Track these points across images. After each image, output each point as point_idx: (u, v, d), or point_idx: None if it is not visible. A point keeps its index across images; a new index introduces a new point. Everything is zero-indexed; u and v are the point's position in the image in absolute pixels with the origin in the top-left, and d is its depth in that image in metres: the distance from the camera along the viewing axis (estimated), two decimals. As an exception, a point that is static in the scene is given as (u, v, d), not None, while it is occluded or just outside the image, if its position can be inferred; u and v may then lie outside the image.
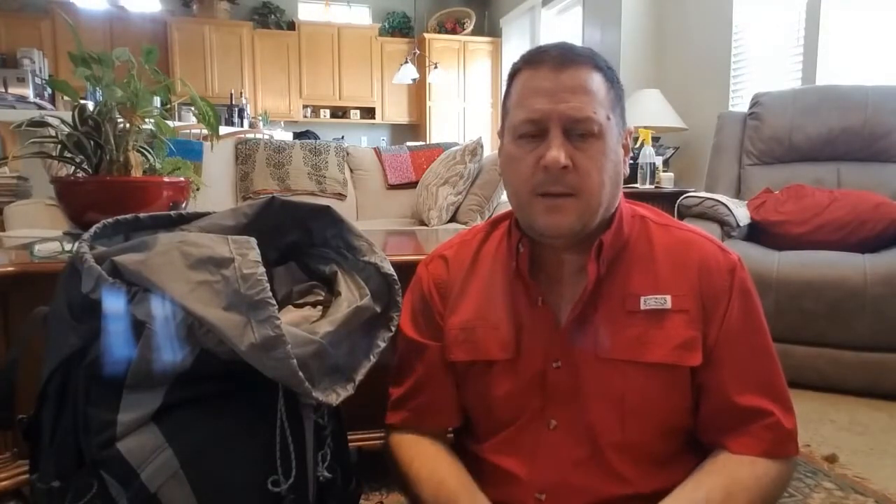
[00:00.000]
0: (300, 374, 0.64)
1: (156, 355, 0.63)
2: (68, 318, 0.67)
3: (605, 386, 0.79)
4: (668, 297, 0.79)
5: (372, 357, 0.79)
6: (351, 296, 0.79)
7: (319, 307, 0.81)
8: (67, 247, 1.20)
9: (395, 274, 0.84)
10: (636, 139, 3.52)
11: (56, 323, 0.69)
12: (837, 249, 2.13)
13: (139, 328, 0.63)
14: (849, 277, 1.99)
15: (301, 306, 0.82)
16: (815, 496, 1.38)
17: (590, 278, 0.79)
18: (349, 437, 0.93)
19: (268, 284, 0.66)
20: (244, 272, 0.65)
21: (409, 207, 3.32)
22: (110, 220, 0.79)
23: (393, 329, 0.84)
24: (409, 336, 0.90)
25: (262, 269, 0.67)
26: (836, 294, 1.99)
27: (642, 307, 0.79)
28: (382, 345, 0.81)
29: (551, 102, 0.75)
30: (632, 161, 3.61)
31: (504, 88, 0.85)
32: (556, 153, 0.74)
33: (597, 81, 0.77)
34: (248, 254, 0.68)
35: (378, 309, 0.82)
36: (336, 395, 0.71)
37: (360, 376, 0.75)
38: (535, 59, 0.78)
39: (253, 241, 0.71)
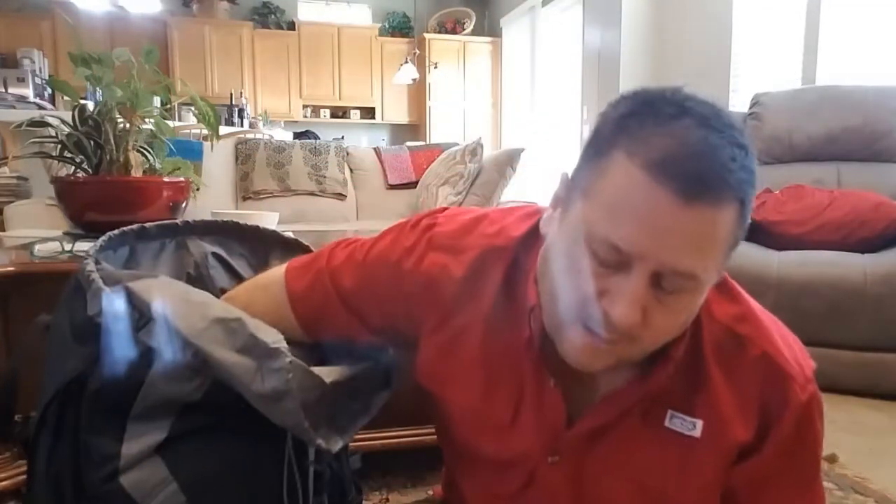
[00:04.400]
0: (306, 423, 0.62)
1: (165, 385, 0.61)
2: (70, 341, 0.65)
3: (608, 497, 0.68)
4: (699, 424, 0.63)
5: (371, 412, 0.76)
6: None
7: None
8: (67, 247, 1.20)
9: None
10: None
11: (57, 345, 0.68)
12: (837, 249, 2.13)
13: (148, 355, 0.61)
14: (848, 277, 1.99)
15: None
16: (814, 496, 1.38)
17: (634, 390, 0.64)
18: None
19: (282, 337, 0.64)
20: (259, 322, 0.65)
21: (409, 207, 3.32)
22: (115, 232, 0.78)
23: (392, 387, 0.80)
24: (345, 286, 0.73)
25: None
26: (836, 294, 1.98)
27: (666, 423, 0.64)
28: (381, 402, 0.78)
29: (654, 245, 0.53)
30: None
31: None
32: (629, 312, 0.54)
33: (728, 221, 0.53)
34: None
35: (380, 374, 0.79)
36: (336, 443, 0.69)
37: (356, 428, 0.73)
38: (667, 171, 0.51)
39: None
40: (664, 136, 0.53)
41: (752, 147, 0.56)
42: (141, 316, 0.62)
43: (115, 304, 0.62)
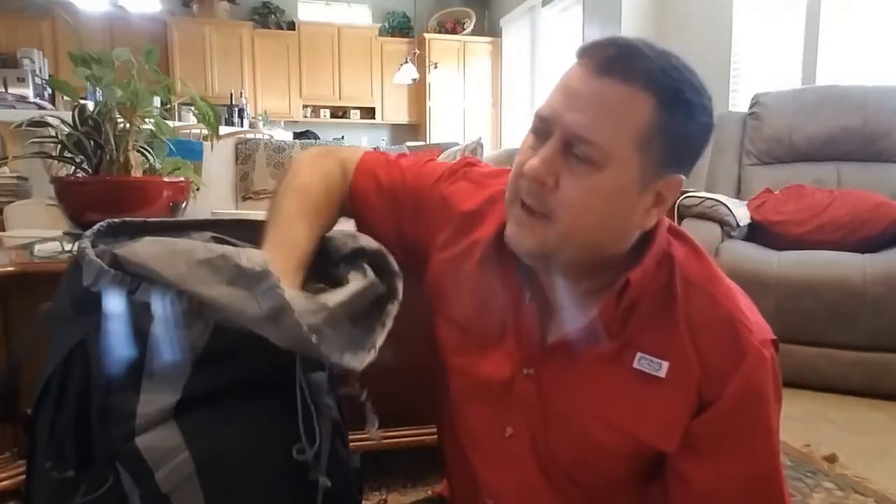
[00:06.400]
0: (312, 338, 0.63)
1: (171, 334, 0.62)
2: (71, 313, 0.66)
3: (571, 419, 0.73)
4: (665, 365, 0.68)
5: (386, 323, 0.76)
6: (359, 279, 0.78)
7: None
8: (67, 247, 1.20)
9: (382, 247, 0.82)
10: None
11: (58, 320, 0.69)
12: (837, 249, 2.13)
13: (147, 312, 0.62)
14: (849, 277, 1.99)
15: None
16: (815, 496, 1.38)
17: (600, 319, 0.69)
18: (350, 438, 0.93)
19: (267, 259, 0.65)
20: (245, 250, 0.66)
21: (409, 207, 3.32)
22: (116, 220, 0.79)
23: (399, 297, 0.79)
24: (406, 181, 0.88)
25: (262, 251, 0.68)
26: (836, 294, 1.99)
27: (634, 364, 0.69)
28: (393, 312, 0.78)
29: (563, 107, 0.65)
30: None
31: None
32: (536, 163, 0.65)
33: (639, 106, 0.63)
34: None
35: (383, 289, 0.79)
36: (359, 361, 0.69)
37: (379, 341, 0.73)
38: (587, 51, 0.66)
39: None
40: (595, 40, 0.66)
41: (703, 89, 0.70)
42: (133, 278, 0.64)
43: (107, 271, 0.64)
